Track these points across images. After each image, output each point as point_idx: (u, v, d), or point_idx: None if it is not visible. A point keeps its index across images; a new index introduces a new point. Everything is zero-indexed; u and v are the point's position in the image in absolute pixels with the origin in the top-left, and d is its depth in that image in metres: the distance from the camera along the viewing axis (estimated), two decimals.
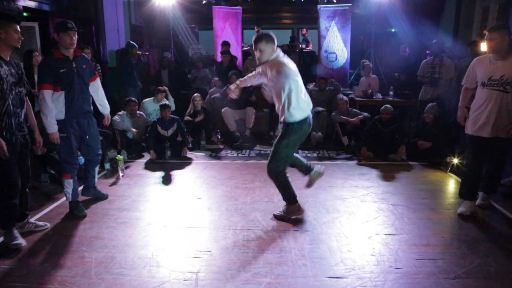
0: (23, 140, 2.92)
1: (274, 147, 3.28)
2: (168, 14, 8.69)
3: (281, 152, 3.25)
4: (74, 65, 3.31)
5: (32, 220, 3.25)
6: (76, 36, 3.28)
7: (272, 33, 3.19)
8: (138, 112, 5.72)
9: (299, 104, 3.11)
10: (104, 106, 3.76)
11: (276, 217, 3.43)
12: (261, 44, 3.09)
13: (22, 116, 2.91)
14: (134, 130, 5.31)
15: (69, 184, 3.47)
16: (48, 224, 3.26)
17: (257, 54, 3.15)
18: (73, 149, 3.43)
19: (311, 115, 3.28)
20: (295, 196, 3.40)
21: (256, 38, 3.16)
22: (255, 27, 9.67)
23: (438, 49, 5.59)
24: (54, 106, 3.25)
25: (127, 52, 7.13)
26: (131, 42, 7.25)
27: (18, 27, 2.81)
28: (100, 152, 3.77)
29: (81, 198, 3.76)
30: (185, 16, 9.54)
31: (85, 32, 8.14)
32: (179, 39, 9.53)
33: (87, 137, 3.55)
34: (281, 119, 3.19)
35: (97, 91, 3.69)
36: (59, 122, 3.30)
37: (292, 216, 3.41)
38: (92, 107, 3.61)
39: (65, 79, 3.25)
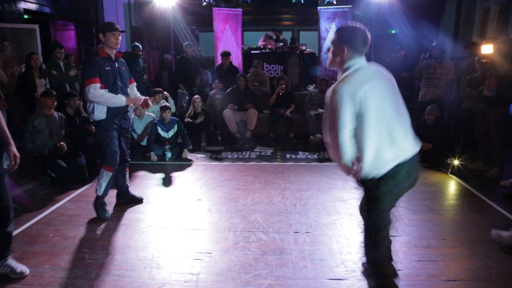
0: None
1: None
2: (168, 16, 8.70)
3: None
4: (116, 66, 3.39)
5: (11, 262, 2.58)
6: (120, 37, 3.37)
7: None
8: (147, 113, 5.68)
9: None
10: (134, 94, 3.72)
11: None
12: None
13: None
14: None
15: (107, 176, 3.43)
16: (28, 272, 2.59)
17: None
18: (116, 145, 3.43)
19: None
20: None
21: None
22: (271, 31, 9.75)
23: (439, 51, 5.59)
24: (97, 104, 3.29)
25: (134, 54, 7.14)
26: (136, 43, 7.25)
27: None
28: (129, 151, 3.76)
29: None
30: (185, 18, 9.55)
31: (85, 34, 8.16)
32: (179, 41, 9.54)
33: (123, 136, 3.58)
34: None
35: (134, 93, 3.71)
36: (101, 121, 3.35)
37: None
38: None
39: (109, 78, 3.32)
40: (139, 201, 3.83)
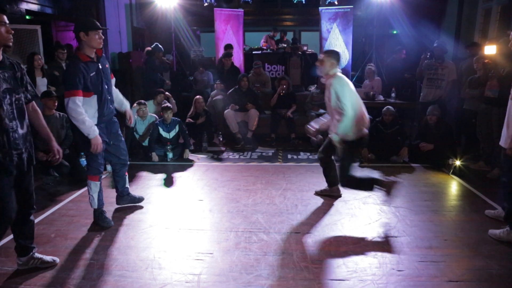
0: (19, 160, 2.34)
1: None
2: (169, 16, 8.70)
3: None
4: (100, 67, 3.13)
5: (38, 255, 2.72)
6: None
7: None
8: (150, 114, 5.68)
9: None
10: (123, 103, 3.56)
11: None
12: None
13: (21, 130, 2.37)
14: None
15: (96, 186, 3.28)
16: (58, 260, 2.77)
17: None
18: (102, 156, 3.29)
19: None
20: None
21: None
22: (272, 32, 9.77)
23: (440, 51, 5.58)
24: (86, 111, 3.04)
25: (152, 54, 7.16)
26: (159, 45, 7.26)
27: (5, 17, 2.28)
28: (127, 153, 3.61)
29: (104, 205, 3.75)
30: (186, 18, 9.55)
31: None
32: (180, 42, 9.54)
33: (114, 139, 3.41)
34: None
35: (115, 90, 3.49)
36: None
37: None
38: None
39: (96, 83, 3.08)
40: (139, 201, 3.81)
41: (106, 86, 3.19)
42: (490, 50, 4.54)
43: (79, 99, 2.97)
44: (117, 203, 3.73)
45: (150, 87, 6.89)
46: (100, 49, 3.11)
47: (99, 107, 3.15)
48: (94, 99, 3.10)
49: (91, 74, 3.03)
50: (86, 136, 3.07)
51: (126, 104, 3.61)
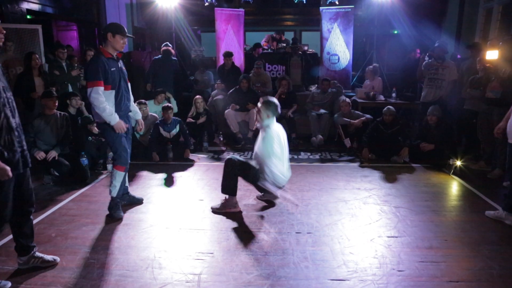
0: (22, 158, 2.36)
1: None
2: (170, 16, 8.70)
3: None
4: (120, 66, 3.39)
5: (39, 254, 2.71)
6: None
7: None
8: (150, 113, 5.67)
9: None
10: (137, 111, 3.73)
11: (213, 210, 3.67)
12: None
13: (18, 128, 2.37)
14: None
15: (120, 176, 3.44)
16: (58, 259, 2.76)
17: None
18: (126, 144, 3.45)
19: None
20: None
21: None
22: (275, 34, 9.74)
23: (441, 51, 5.58)
24: None
25: (170, 53, 7.10)
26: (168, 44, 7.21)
27: None
28: (130, 154, 3.69)
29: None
30: (187, 18, 9.55)
31: (88, 35, 8.18)
32: (181, 41, 9.54)
33: (126, 137, 3.54)
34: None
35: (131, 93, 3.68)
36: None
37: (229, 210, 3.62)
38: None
39: (115, 78, 3.30)
40: (139, 202, 3.83)
41: (124, 85, 3.41)
42: (492, 55, 4.53)
43: (101, 89, 3.19)
44: None
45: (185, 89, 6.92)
46: (120, 52, 3.39)
47: (116, 101, 3.34)
48: (112, 93, 3.30)
49: (112, 69, 3.26)
50: (108, 125, 3.28)
51: (139, 113, 3.78)
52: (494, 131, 3.76)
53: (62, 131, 4.52)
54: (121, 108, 3.40)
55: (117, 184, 3.46)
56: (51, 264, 2.70)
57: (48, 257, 2.72)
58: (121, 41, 3.29)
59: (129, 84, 3.61)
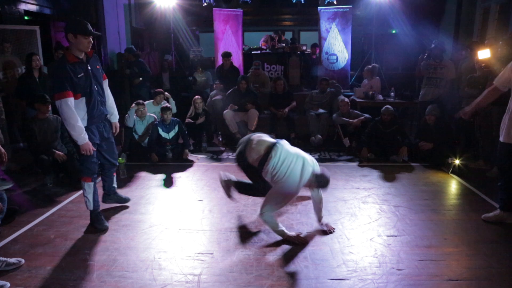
0: None
1: None
2: (168, 16, 8.70)
3: None
4: (89, 68, 3.07)
5: (2, 258, 2.69)
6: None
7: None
8: (149, 114, 5.67)
9: None
10: (113, 113, 3.51)
11: None
12: None
13: None
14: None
15: (89, 187, 3.23)
16: (23, 261, 2.74)
17: None
18: (95, 156, 3.23)
19: None
20: None
21: None
22: (273, 34, 9.74)
23: (439, 50, 5.59)
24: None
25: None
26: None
27: None
28: (117, 154, 3.63)
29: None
30: (185, 18, 9.55)
31: None
32: (179, 42, 9.54)
33: (105, 141, 3.38)
34: None
35: (107, 94, 3.41)
36: None
37: None
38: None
39: (84, 85, 3.01)
40: (125, 201, 3.79)
41: (96, 88, 3.13)
42: (484, 54, 4.55)
43: (70, 101, 2.91)
44: (103, 201, 3.67)
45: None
46: (91, 49, 3.06)
47: (88, 109, 3.08)
48: (82, 101, 3.04)
49: (79, 76, 2.97)
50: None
51: (116, 115, 3.54)
52: (459, 114, 3.71)
53: (57, 134, 4.49)
54: (94, 115, 3.14)
55: (89, 196, 3.24)
56: (17, 266, 2.68)
57: (12, 260, 2.70)
58: (85, 41, 2.94)
59: (105, 84, 3.33)
